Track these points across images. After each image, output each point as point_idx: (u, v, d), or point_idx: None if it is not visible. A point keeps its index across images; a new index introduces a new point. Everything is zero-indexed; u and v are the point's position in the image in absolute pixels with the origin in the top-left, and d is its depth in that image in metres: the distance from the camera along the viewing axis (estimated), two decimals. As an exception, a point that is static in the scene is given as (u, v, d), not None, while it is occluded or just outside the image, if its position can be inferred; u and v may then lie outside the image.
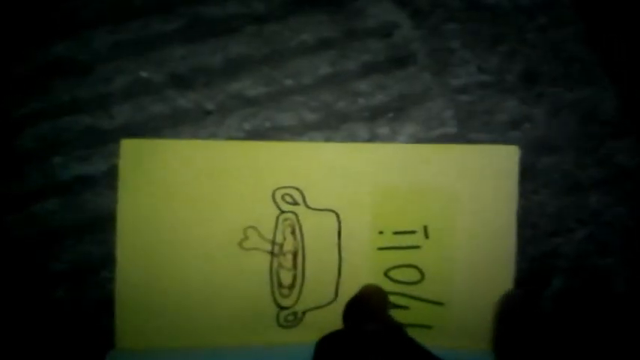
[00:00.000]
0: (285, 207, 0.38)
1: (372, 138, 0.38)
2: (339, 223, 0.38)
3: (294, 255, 0.38)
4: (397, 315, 0.38)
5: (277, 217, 0.38)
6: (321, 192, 0.38)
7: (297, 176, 0.38)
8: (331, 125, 0.38)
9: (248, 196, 0.38)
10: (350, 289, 0.38)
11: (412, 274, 0.38)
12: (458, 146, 0.38)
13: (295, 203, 0.38)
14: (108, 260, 0.38)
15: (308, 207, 0.38)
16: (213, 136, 0.39)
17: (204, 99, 0.39)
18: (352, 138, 0.38)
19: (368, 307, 0.36)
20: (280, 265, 0.38)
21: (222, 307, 0.39)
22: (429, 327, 0.38)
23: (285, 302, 0.38)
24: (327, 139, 0.38)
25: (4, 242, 0.40)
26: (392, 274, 0.38)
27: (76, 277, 0.39)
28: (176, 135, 0.39)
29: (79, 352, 0.38)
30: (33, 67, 0.40)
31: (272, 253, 0.38)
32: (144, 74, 0.39)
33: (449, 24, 0.38)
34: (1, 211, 0.40)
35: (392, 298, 0.38)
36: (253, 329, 0.38)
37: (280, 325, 0.38)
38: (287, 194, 0.38)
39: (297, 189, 0.38)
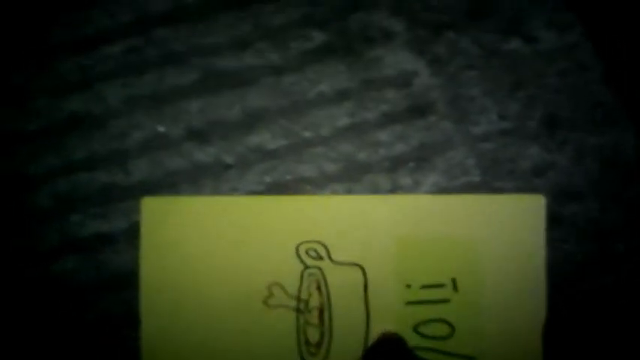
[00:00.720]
0: (309, 262, 0.38)
1: (395, 188, 0.38)
2: (365, 277, 0.38)
3: (321, 311, 0.38)
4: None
5: (302, 273, 0.38)
6: (346, 246, 0.38)
7: (320, 230, 0.38)
8: (352, 176, 0.39)
9: (271, 252, 0.38)
10: None
11: (442, 329, 0.38)
12: (482, 196, 0.38)
13: (320, 258, 0.38)
14: (130, 319, 0.38)
15: (333, 261, 0.38)
16: (233, 190, 0.39)
17: (223, 153, 0.39)
18: (374, 189, 0.38)
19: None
20: (307, 322, 0.38)
21: None
22: None
23: None
24: (349, 191, 0.38)
25: (25, 302, 0.39)
26: (421, 329, 0.38)
27: (98, 335, 0.39)
28: (196, 190, 0.39)
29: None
30: (47, 123, 0.40)
31: (298, 310, 0.38)
32: (160, 129, 0.39)
33: (468, 71, 0.39)
34: (21, 271, 0.39)
35: (422, 354, 0.38)
36: None
37: None
38: (311, 249, 0.38)
39: (321, 243, 0.38)
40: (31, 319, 0.39)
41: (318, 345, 0.38)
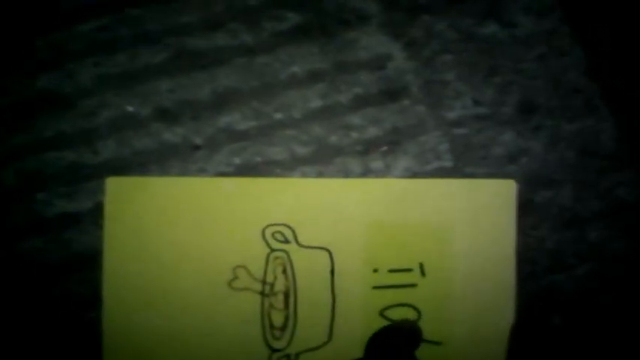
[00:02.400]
0: (275, 245, 0.38)
1: (366, 172, 0.38)
2: (332, 261, 0.38)
3: (286, 295, 0.38)
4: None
5: (268, 256, 0.38)
6: (313, 229, 0.38)
7: (288, 213, 0.38)
8: (323, 159, 0.39)
9: (237, 235, 0.38)
10: (344, 329, 0.38)
11: (408, 314, 0.38)
12: (453, 181, 0.39)
13: (286, 241, 0.38)
14: (94, 300, 0.39)
15: (300, 245, 0.38)
16: (202, 170, 0.39)
17: (192, 133, 0.39)
18: (345, 172, 0.39)
19: (396, 342, 0.36)
20: (271, 306, 0.38)
21: (211, 349, 0.39)
22: None
23: (277, 344, 0.38)
24: (320, 174, 0.39)
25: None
26: (387, 313, 0.38)
27: (61, 316, 0.40)
28: (164, 170, 0.39)
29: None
30: (16, 101, 0.40)
31: (262, 294, 0.38)
32: (130, 108, 0.40)
33: (443, 55, 0.39)
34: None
35: (388, 340, 0.38)
36: None
37: None
38: (278, 232, 0.38)
39: (288, 226, 0.38)
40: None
41: (283, 329, 0.38)
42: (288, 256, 0.38)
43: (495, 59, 0.39)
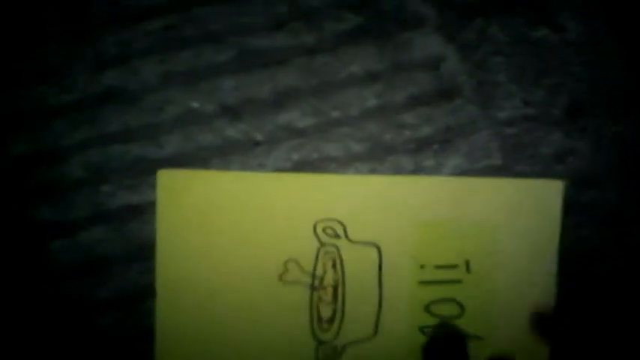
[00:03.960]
0: (326, 240, 0.41)
1: (417, 170, 0.41)
2: (380, 256, 0.41)
3: (335, 288, 0.41)
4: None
5: (318, 250, 0.41)
6: (363, 225, 0.41)
7: (339, 209, 0.41)
8: (377, 157, 0.41)
9: (289, 229, 0.41)
10: (390, 323, 0.41)
11: (452, 309, 0.41)
12: (502, 180, 0.41)
13: (337, 236, 0.41)
14: (154, 289, 0.42)
15: (349, 240, 0.41)
16: (261, 166, 0.42)
17: (252, 130, 0.42)
18: (397, 169, 0.41)
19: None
20: (320, 299, 0.41)
21: (261, 340, 0.42)
22: None
23: (324, 336, 0.41)
24: (373, 171, 0.41)
25: (52, 269, 0.42)
26: (432, 308, 0.41)
27: (121, 305, 0.43)
28: (225, 165, 0.42)
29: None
30: (83, 96, 0.43)
31: (312, 287, 0.41)
32: (194, 104, 0.42)
33: (495, 57, 0.41)
34: (50, 239, 0.42)
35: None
36: None
37: None
38: (328, 227, 0.41)
39: (339, 222, 0.41)
40: (56, 287, 0.42)
41: (330, 321, 0.41)
42: (338, 250, 0.41)
43: (545, 62, 0.41)
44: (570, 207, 0.40)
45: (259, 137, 0.42)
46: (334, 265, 0.41)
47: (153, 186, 0.42)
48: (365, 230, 0.41)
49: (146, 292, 0.42)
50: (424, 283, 0.41)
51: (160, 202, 0.42)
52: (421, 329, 0.41)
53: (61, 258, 0.43)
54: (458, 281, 0.41)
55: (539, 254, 0.40)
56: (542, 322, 0.39)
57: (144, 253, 0.42)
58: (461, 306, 0.41)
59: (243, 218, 0.41)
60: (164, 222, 0.42)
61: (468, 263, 0.40)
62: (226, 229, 0.41)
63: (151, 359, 0.42)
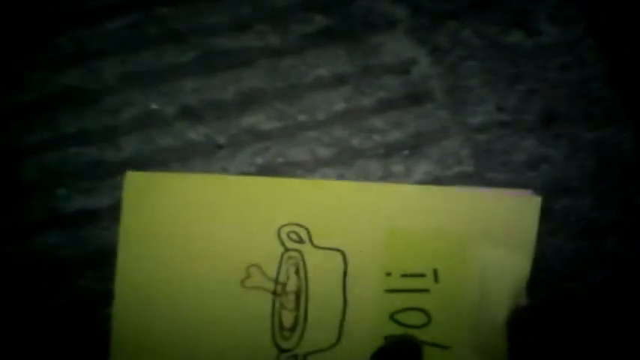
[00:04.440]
0: (290, 245, 0.39)
1: (386, 175, 0.40)
2: (346, 263, 0.39)
3: (297, 295, 0.39)
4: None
5: (282, 255, 0.40)
6: (329, 231, 0.39)
7: (304, 214, 0.40)
8: (344, 162, 0.40)
9: (252, 233, 0.40)
10: (354, 332, 0.40)
11: (419, 318, 0.40)
12: (477, 191, 0.40)
13: (301, 241, 0.39)
14: (108, 296, 0.40)
15: (314, 245, 0.39)
16: (224, 170, 0.40)
17: (215, 133, 0.41)
18: (366, 175, 0.40)
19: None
20: (282, 306, 0.39)
21: (220, 346, 0.40)
22: None
23: (285, 344, 0.39)
24: (340, 176, 0.40)
25: (2, 275, 0.40)
26: (398, 317, 0.39)
27: (75, 313, 0.41)
28: (186, 169, 0.41)
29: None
30: (40, 96, 0.42)
31: (274, 293, 0.40)
32: (154, 106, 0.41)
33: (468, 62, 0.40)
34: (2, 243, 0.40)
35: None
36: None
37: None
38: (293, 232, 0.39)
39: (304, 227, 0.39)
40: (7, 293, 0.40)
41: (292, 329, 0.39)
42: (302, 256, 0.39)
43: (519, 67, 0.41)
44: (544, 215, 0.39)
45: (222, 140, 0.41)
46: (297, 271, 0.40)
47: (109, 189, 0.41)
48: (330, 236, 0.40)
49: (101, 300, 0.40)
50: (390, 291, 0.40)
51: (126, 203, 0.41)
52: (386, 338, 0.39)
53: (14, 263, 0.41)
54: (425, 290, 0.40)
55: (512, 266, 0.39)
56: (513, 333, 0.38)
57: (99, 259, 0.41)
58: (428, 315, 0.40)
59: (208, 222, 0.40)
60: (128, 224, 0.40)
61: (436, 272, 0.39)
62: (189, 233, 0.40)
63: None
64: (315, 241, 0.40)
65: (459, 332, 0.39)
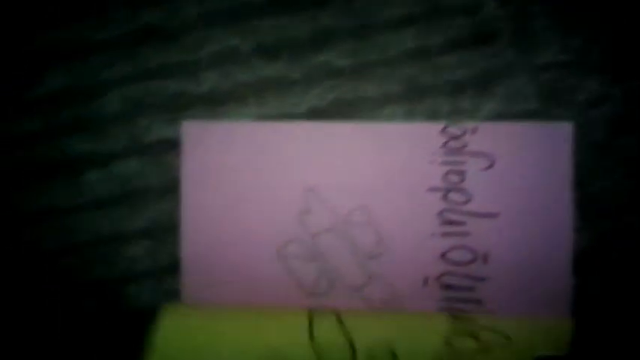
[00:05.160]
0: None
1: (454, 112, 0.42)
2: None
3: None
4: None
5: None
6: None
7: None
8: (413, 99, 0.42)
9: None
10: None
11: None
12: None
13: None
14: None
15: None
16: (296, 105, 0.43)
17: (290, 69, 0.43)
18: (433, 112, 0.42)
19: None
20: None
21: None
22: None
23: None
24: (408, 112, 0.42)
25: (86, 200, 0.43)
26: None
27: (153, 236, 0.44)
28: (261, 103, 0.43)
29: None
30: (122, 33, 0.44)
31: None
32: (232, 43, 0.43)
33: (535, 3, 0.42)
34: (85, 169, 0.44)
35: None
36: None
37: None
38: None
39: None
40: (89, 216, 0.43)
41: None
42: None
43: (585, 9, 0.42)
44: (603, 151, 0.41)
45: (296, 76, 0.43)
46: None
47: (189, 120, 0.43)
48: None
49: (177, 224, 0.44)
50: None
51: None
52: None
53: (96, 189, 0.44)
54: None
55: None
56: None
57: (177, 185, 0.44)
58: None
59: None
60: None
61: None
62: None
63: (178, 289, 0.43)
64: None
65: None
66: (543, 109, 0.42)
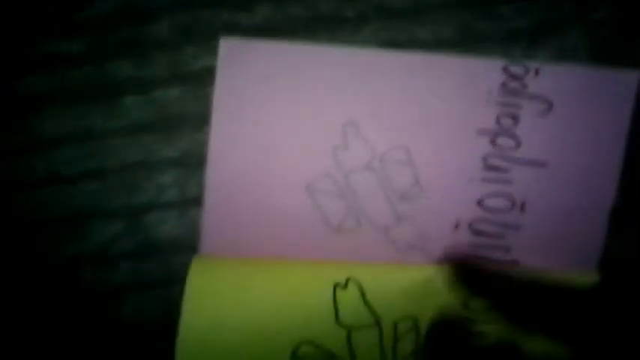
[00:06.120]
0: None
1: (506, 58, 0.42)
2: None
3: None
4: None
5: None
6: None
7: None
8: (466, 44, 0.42)
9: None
10: None
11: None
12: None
13: None
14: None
15: None
16: (347, 42, 0.43)
17: (344, 6, 0.43)
18: (486, 56, 0.42)
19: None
20: None
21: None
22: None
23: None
24: (461, 56, 0.42)
25: (124, 123, 0.43)
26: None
27: (185, 166, 0.43)
28: (313, 37, 0.43)
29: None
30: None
31: None
32: (287, -24, 0.43)
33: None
34: (126, 94, 0.43)
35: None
36: None
37: None
38: None
39: None
40: (125, 140, 0.43)
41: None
42: None
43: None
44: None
45: (350, 14, 0.43)
46: None
47: (237, 51, 0.43)
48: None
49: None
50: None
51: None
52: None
53: (133, 114, 0.43)
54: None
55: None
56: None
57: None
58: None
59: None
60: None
61: None
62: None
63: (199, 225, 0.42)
64: None
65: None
66: (595, 64, 0.42)
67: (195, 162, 0.43)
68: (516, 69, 0.41)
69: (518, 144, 0.41)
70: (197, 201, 0.43)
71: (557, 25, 0.43)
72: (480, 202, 0.41)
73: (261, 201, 0.42)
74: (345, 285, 0.39)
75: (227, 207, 0.42)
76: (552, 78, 0.41)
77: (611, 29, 0.42)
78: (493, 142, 0.41)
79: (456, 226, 0.41)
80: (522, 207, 0.41)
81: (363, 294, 0.39)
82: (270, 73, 0.42)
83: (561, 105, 0.41)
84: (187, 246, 0.42)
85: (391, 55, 0.42)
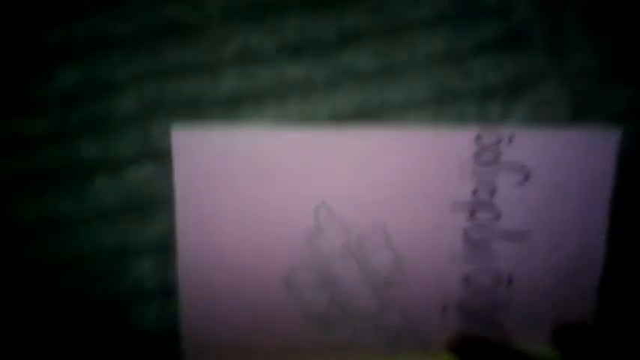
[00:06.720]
0: None
1: (482, 118, 0.41)
2: None
3: None
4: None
5: None
6: None
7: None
8: (440, 103, 0.41)
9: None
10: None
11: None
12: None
13: None
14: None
15: None
16: (319, 107, 0.41)
17: (313, 70, 0.41)
18: (461, 117, 0.41)
19: None
20: None
21: None
22: None
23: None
24: (435, 117, 0.41)
25: (95, 208, 0.42)
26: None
27: (161, 251, 0.42)
28: (281, 104, 0.41)
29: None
30: (141, 28, 0.43)
31: None
32: (254, 41, 0.42)
33: (568, 7, 0.41)
34: (95, 175, 0.42)
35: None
36: None
37: None
38: None
39: None
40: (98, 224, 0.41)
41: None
42: None
43: (619, 13, 0.41)
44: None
45: (319, 78, 0.42)
46: None
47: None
48: None
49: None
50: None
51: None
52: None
53: (106, 197, 0.42)
54: None
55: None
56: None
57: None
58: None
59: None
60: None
61: None
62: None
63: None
64: None
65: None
66: (576, 117, 0.41)
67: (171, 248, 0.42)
68: (489, 138, 0.39)
69: (498, 215, 0.40)
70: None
71: (533, 79, 0.41)
72: (466, 280, 0.40)
73: (239, 296, 0.41)
74: None
75: (204, 299, 0.41)
76: (528, 144, 0.40)
77: (589, 78, 0.41)
78: (472, 215, 0.40)
79: (444, 309, 0.40)
80: (509, 281, 0.40)
81: None
82: (230, 160, 0.40)
83: (539, 171, 0.39)
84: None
85: (359, 132, 0.40)
